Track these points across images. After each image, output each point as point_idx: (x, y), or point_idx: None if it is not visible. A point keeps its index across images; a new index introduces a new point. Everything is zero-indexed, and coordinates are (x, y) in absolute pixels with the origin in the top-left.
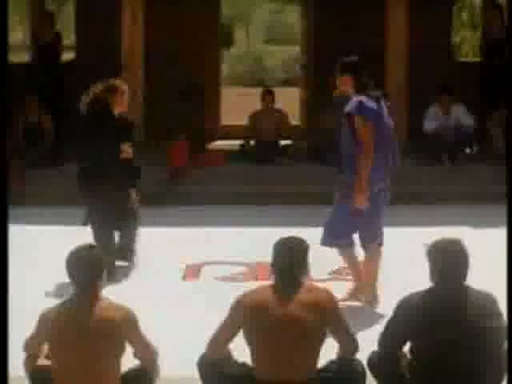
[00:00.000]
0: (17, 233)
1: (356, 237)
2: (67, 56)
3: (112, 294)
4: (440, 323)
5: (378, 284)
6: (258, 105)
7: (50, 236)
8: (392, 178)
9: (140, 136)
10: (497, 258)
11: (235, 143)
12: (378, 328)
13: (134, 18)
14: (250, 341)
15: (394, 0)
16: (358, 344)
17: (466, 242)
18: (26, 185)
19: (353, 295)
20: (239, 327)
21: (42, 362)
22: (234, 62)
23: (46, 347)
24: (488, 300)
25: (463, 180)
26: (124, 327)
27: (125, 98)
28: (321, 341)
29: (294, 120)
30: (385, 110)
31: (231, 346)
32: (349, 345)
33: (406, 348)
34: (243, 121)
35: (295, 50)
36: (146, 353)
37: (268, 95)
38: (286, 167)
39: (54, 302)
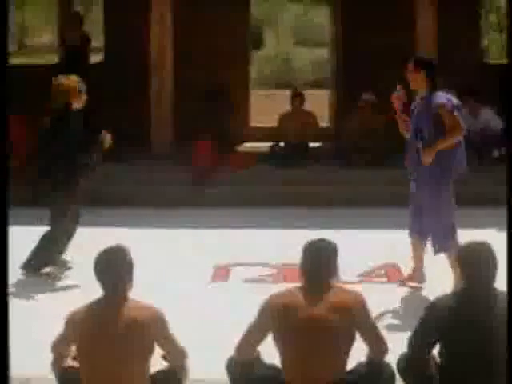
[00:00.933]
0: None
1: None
2: (96, 58)
3: (140, 294)
4: (469, 326)
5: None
6: (286, 106)
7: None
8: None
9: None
10: None
11: (264, 145)
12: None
13: (162, 19)
14: (278, 343)
15: (422, 1)
16: (387, 346)
17: (493, 244)
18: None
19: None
20: (268, 329)
21: (70, 363)
22: (262, 64)
23: (73, 348)
24: None
25: (491, 182)
26: (152, 328)
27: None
28: (350, 343)
29: (323, 122)
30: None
31: (260, 347)
32: (378, 347)
33: (436, 350)
34: (272, 122)
35: (324, 51)
36: (175, 354)
37: (297, 97)
38: (314, 169)
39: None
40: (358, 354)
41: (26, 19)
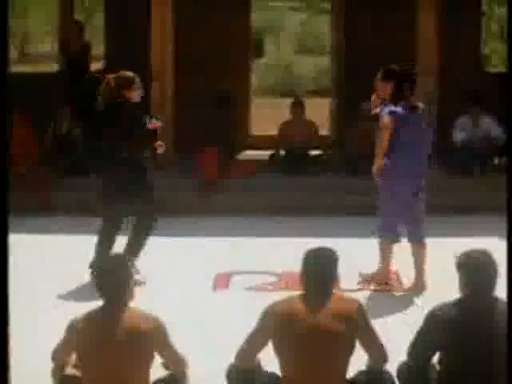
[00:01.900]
0: (42, 242)
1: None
2: (96, 66)
3: (141, 303)
4: (469, 334)
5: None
6: (287, 115)
7: (77, 245)
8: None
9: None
10: None
11: (265, 153)
12: None
13: (163, 28)
14: (278, 351)
15: (422, 10)
16: (387, 354)
17: (495, 252)
18: (52, 192)
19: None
20: (268, 337)
21: (70, 371)
22: (264, 72)
23: (74, 356)
24: None
25: (492, 191)
26: (153, 336)
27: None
28: (350, 351)
29: (324, 131)
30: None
31: (260, 355)
32: (378, 355)
33: (435, 359)
34: (273, 131)
35: (325, 60)
36: (175, 362)
37: (298, 106)
38: (315, 178)
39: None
40: (358, 362)
41: (27, 27)
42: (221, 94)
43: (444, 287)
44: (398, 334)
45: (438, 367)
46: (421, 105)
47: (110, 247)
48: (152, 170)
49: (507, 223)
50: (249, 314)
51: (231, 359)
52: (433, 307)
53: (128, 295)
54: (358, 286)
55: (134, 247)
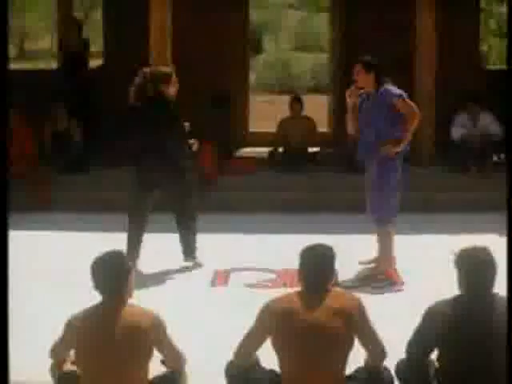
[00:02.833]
0: (42, 238)
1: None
2: (95, 63)
3: (141, 299)
4: (467, 331)
5: None
6: (286, 112)
7: (75, 241)
8: (418, 186)
9: None
10: None
11: (264, 150)
12: None
13: (161, 25)
14: (277, 347)
15: (421, 8)
16: (385, 350)
17: (493, 249)
18: (52, 191)
19: None
20: (267, 334)
21: (68, 367)
22: (262, 69)
23: (72, 353)
24: None
25: (490, 188)
26: (151, 332)
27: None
28: (348, 347)
29: (322, 127)
30: None
31: (258, 352)
32: (376, 351)
33: (434, 356)
34: (272, 128)
35: (323, 57)
36: (174, 359)
37: (296, 103)
38: (314, 174)
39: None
40: (357, 358)
41: (26, 25)
42: (219, 92)
43: (443, 285)
44: (396, 330)
45: (436, 364)
46: None
47: (139, 241)
48: (191, 167)
49: (507, 223)
50: (248, 310)
51: (230, 356)
52: (431, 304)
53: (127, 292)
54: (357, 283)
55: (190, 238)
